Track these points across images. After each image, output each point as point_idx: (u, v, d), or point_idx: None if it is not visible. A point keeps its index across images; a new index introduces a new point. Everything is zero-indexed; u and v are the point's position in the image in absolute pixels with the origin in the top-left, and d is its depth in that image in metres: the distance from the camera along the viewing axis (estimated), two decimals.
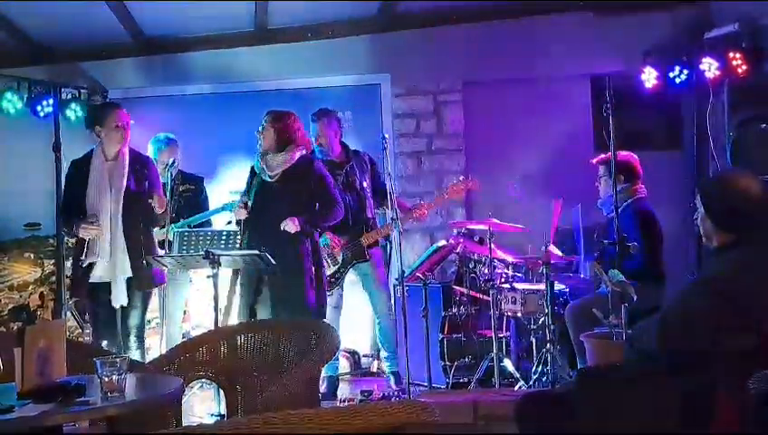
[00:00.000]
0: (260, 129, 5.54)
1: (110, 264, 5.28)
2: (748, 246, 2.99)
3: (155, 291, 5.88)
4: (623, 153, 5.66)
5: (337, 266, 6.06)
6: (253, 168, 5.65)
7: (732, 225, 3.04)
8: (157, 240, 5.70)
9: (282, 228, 5.31)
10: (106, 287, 5.30)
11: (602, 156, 5.81)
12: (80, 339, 6.01)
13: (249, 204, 5.46)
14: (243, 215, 5.48)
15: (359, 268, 6.17)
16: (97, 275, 5.30)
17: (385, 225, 6.22)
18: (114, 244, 5.28)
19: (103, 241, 5.28)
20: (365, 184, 6.15)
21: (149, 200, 5.31)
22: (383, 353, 6.32)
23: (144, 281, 5.37)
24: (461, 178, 6.16)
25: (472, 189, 6.17)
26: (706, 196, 3.16)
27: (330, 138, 6.14)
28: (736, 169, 5.81)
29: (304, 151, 5.58)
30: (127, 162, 5.37)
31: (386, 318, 6.19)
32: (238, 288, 5.59)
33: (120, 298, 5.29)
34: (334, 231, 6.02)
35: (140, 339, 5.42)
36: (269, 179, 5.49)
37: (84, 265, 5.31)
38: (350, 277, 6.25)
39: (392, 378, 6.21)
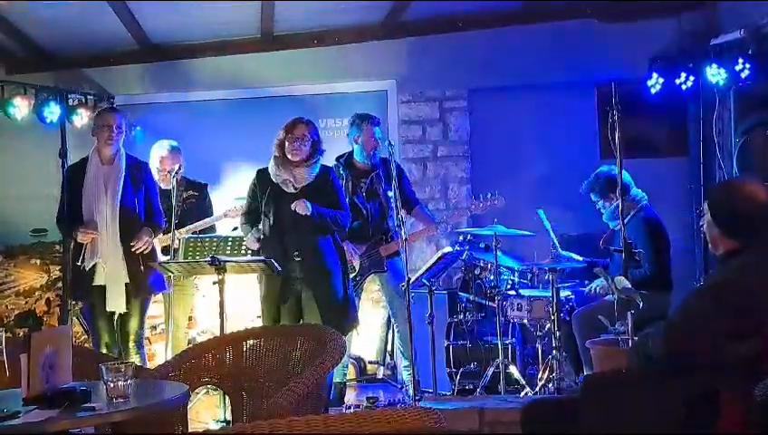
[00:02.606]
0: (302, 135, 5.34)
1: (109, 268, 5.31)
2: (755, 253, 2.98)
3: (159, 297, 5.89)
4: (607, 168, 5.70)
5: (353, 274, 6.05)
6: (263, 178, 5.45)
7: (738, 231, 3.04)
8: (160, 246, 5.72)
9: (292, 208, 5.23)
10: (104, 292, 5.32)
11: (586, 185, 5.88)
12: (86, 345, 6.01)
13: (262, 237, 5.36)
14: (256, 246, 5.37)
15: (378, 276, 6.17)
16: (100, 279, 5.33)
17: (409, 235, 6.19)
18: (112, 248, 5.31)
19: (102, 245, 5.30)
20: (390, 193, 6.10)
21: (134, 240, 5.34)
22: (403, 363, 6.28)
23: (141, 288, 5.38)
24: (488, 195, 6.12)
25: (498, 207, 6.13)
26: (713, 202, 3.16)
27: (372, 140, 6.10)
28: (743, 175, 5.80)
29: (321, 162, 5.51)
30: (123, 166, 5.40)
31: (404, 326, 6.17)
32: (262, 294, 5.46)
33: (116, 303, 5.29)
34: (352, 240, 6.02)
35: (139, 346, 5.43)
36: (293, 191, 5.41)
37: (87, 269, 5.33)
38: (372, 285, 6.26)
39: (411, 387, 5.96)
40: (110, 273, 5.32)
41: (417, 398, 5.56)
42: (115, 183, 5.36)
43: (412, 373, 5.79)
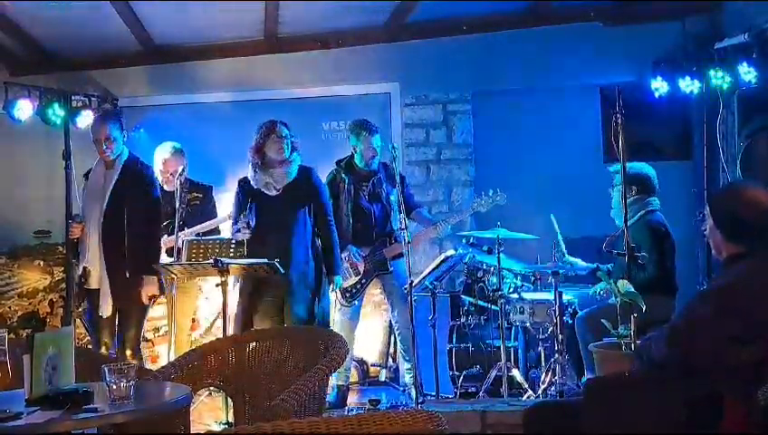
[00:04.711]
0: (284, 135, 5.44)
1: (95, 273, 5.35)
2: (758, 257, 2.97)
3: (162, 299, 5.90)
4: (639, 165, 5.68)
5: (358, 277, 6.05)
6: (245, 184, 5.55)
7: (740, 236, 3.03)
8: (164, 249, 5.73)
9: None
10: (97, 294, 5.35)
11: (619, 165, 5.77)
12: (88, 346, 6.02)
13: (251, 224, 5.37)
14: (247, 235, 5.36)
15: (382, 278, 6.18)
16: (90, 282, 5.40)
17: (414, 237, 6.17)
18: (96, 252, 5.35)
19: (88, 248, 5.34)
20: (392, 197, 6.13)
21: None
22: (405, 365, 6.29)
23: (124, 296, 5.36)
24: (490, 191, 6.15)
25: (500, 203, 6.16)
26: (714, 207, 3.16)
27: (370, 150, 6.12)
28: (746, 179, 5.79)
29: (300, 161, 5.58)
30: (118, 172, 5.41)
31: (406, 329, 6.19)
32: (236, 296, 5.56)
33: (104, 308, 5.31)
34: (356, 242, 6.03)
35: (136, 351, 5.43)
36: (274, 193, 5.46)
37: (80, 272, 5.37)
38: (373, 288, 6.27)
39: (413, 390, 6.11)
40: (96, 278, 5.38)
41: (419, 401, 5.56)
42: (108, 187, 5.39)
43: (414, 376, 5.79)
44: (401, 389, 6.43)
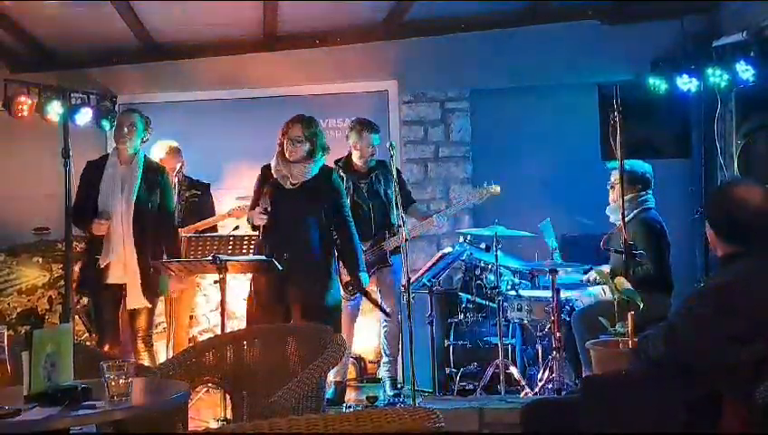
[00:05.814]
0: (296, 137, 5.35)
1: (125, 265, 5.34)
2: (752, 257, 2.97)
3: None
4: (640, 163, 5.69)
5: None
6: (264, 173, 5.52)
7: (733, 236, 3.02)
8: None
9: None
10: (118, 289, 5.35)
11: (619, 164, 5.78)
12: (87, 343, 6.03)
13: (268, 209, 5.31)
14: (263, 221, 5.31)
15: (380, 272, 6.20)
16: (113, 277, 5.38)
17: (411, 229, 6.18)
18: (126, 246, 5.34)
19: (116, 242, 5.34)
20: (389, 192, 6.17)
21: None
22: (384, 359, 6.35)
23: (148, 289, 5.41)
24: (485, 183, 6.17)
25: (494, 195, 6.17)
26: (708, 207, 3.16)
27: (370, 148, 6.18)
28: (740, 179, 5.77)
29: (325, 161, 5.52)
30: (140, 168, 5.45)
31: (393, 323, 6.23)
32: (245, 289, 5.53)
33: (135, 301, 5.34)
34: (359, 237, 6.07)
35: (147, 343, 5.45)
36: (291, 187, 5.45)
37: (102, 266, 5.36)
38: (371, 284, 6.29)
39: (388, 383, 6.27)
40: (129, 271, 5.38)
41: (395, 393, 5.61)
42: (131, 183, 5.43)
43: (390, 369, 5.87)
44: (399, 386, 6.43)
